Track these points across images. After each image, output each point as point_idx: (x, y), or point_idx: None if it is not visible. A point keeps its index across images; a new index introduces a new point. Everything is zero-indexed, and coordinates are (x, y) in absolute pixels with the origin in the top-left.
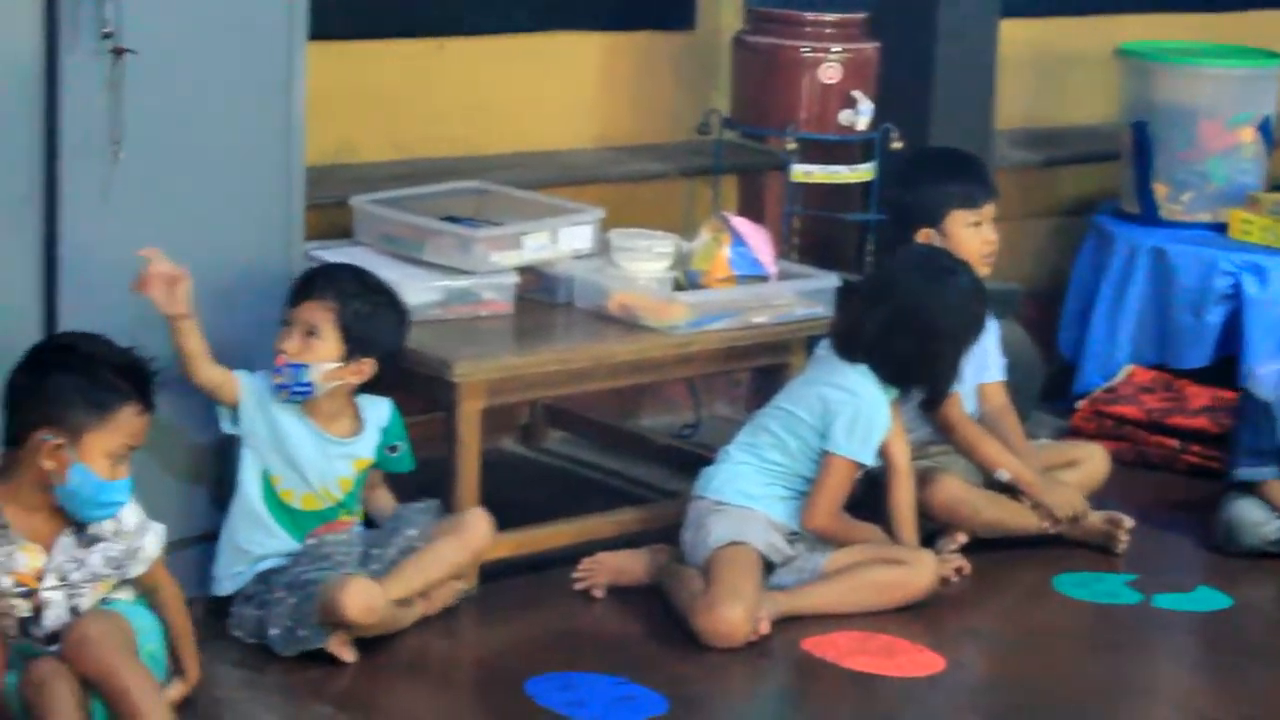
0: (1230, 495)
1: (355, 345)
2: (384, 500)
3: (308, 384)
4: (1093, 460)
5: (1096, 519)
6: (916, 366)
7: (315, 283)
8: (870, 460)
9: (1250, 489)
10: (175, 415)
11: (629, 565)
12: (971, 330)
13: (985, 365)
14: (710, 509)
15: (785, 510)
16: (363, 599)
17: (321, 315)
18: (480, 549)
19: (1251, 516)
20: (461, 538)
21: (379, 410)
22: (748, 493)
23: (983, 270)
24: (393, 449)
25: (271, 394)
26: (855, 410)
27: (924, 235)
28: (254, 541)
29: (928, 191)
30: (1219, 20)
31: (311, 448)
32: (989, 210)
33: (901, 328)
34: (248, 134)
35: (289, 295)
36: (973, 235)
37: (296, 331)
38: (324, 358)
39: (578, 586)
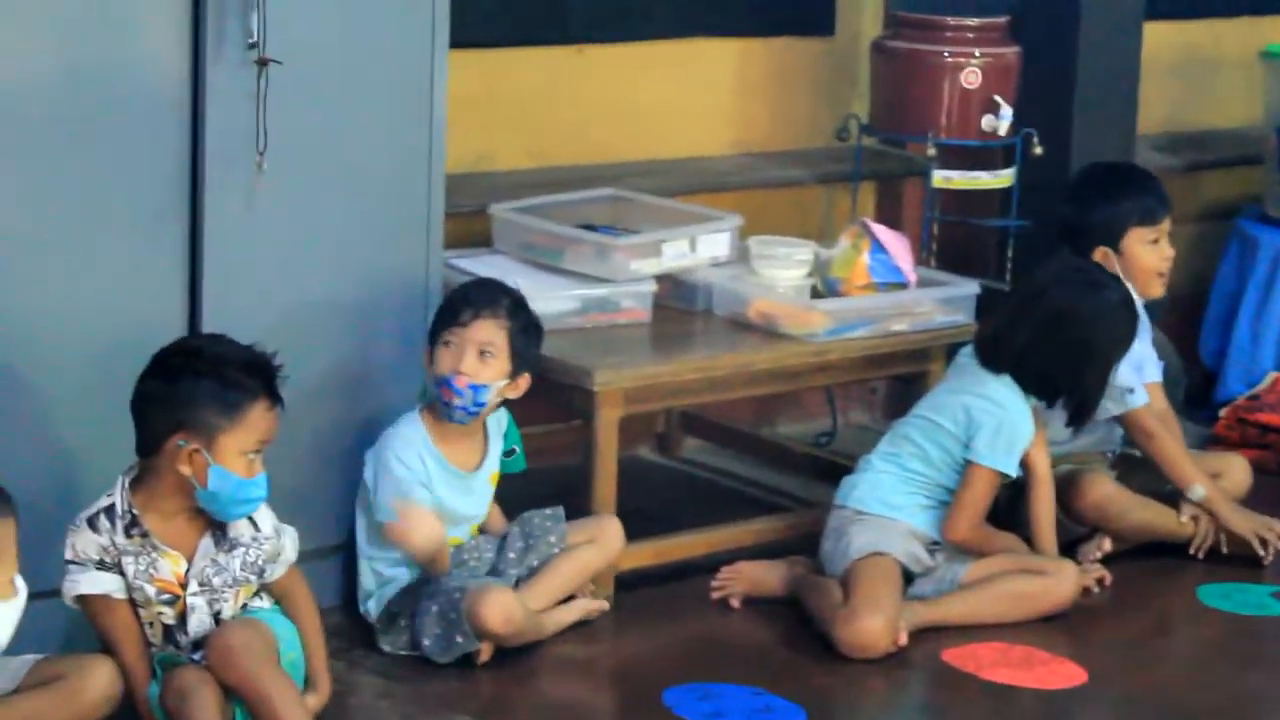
0: None
1: (519, 362)
2: (492, 511)
3: (484, 404)
4: (1234, 471)
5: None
6: (1062, 380)
7: (482, 300)
8: (1013, 471)
9: None
10: (313, 418)
11: (766, 576)
12: (1121, 346)
13: (1143, 366)
14: (852, 518)
15: (927, 520)
16: (502, 610)
17: (496, 333)
18: (615, 555)
19: None
20: (597, 544)
21: (498, 418)
22: (889, 502)
23: (1157, 288)
24: (509, 453)
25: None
26: (999, 421)
27: (1100, 254)
28: (392, 564)
29: (1105, 210)
30: None
31: (460, 499)
32: (1166, 225)
33: (1049, 340)
34: (389, 142)
35: (444, 313)
36: (1151, 252)
37: (470, 350)
38: (499, 376)
39: (715, 595)
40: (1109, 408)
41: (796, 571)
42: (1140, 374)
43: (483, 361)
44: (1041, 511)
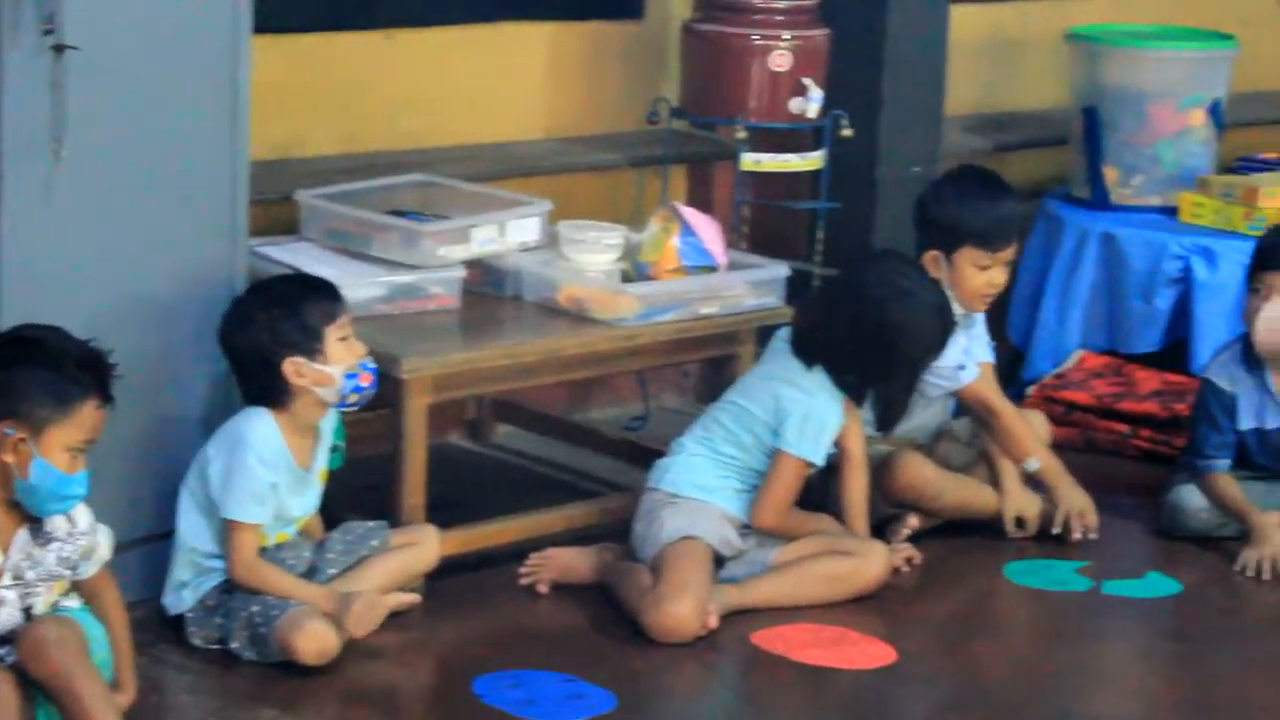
0: (1176, 480)
1: None
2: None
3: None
4: (1031, 425)
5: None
6: (870, 381)
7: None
8: (820, 460)
9: (1195, 476)
10: (119, 413)
11: (576, 563)
12: (933, 351)
13: (970, 349)
14: (664, 501)
15: (740, 503)
16: (316, 644)
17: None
18: (431, 563)
19: (1196, 502)
20: (417, 549)
21: (333, 414)
22: (702, 485)
23: (977, 306)
24: (334, 449)
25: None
26: (807, 409)
27: (930, 257)
28: (214, 556)
29: (951, 214)
30: (1170, 3)
31: (296, 498)
32: (1005, 255)
33: (859, 341)
34: (192, 130)
35: (325, 305)
36: (978, 275)
37: (352, 337)
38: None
39: (523, 581)
40: (941, 385)
41: (605, 558)
42: (969, 355)
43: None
44: (854, 492)
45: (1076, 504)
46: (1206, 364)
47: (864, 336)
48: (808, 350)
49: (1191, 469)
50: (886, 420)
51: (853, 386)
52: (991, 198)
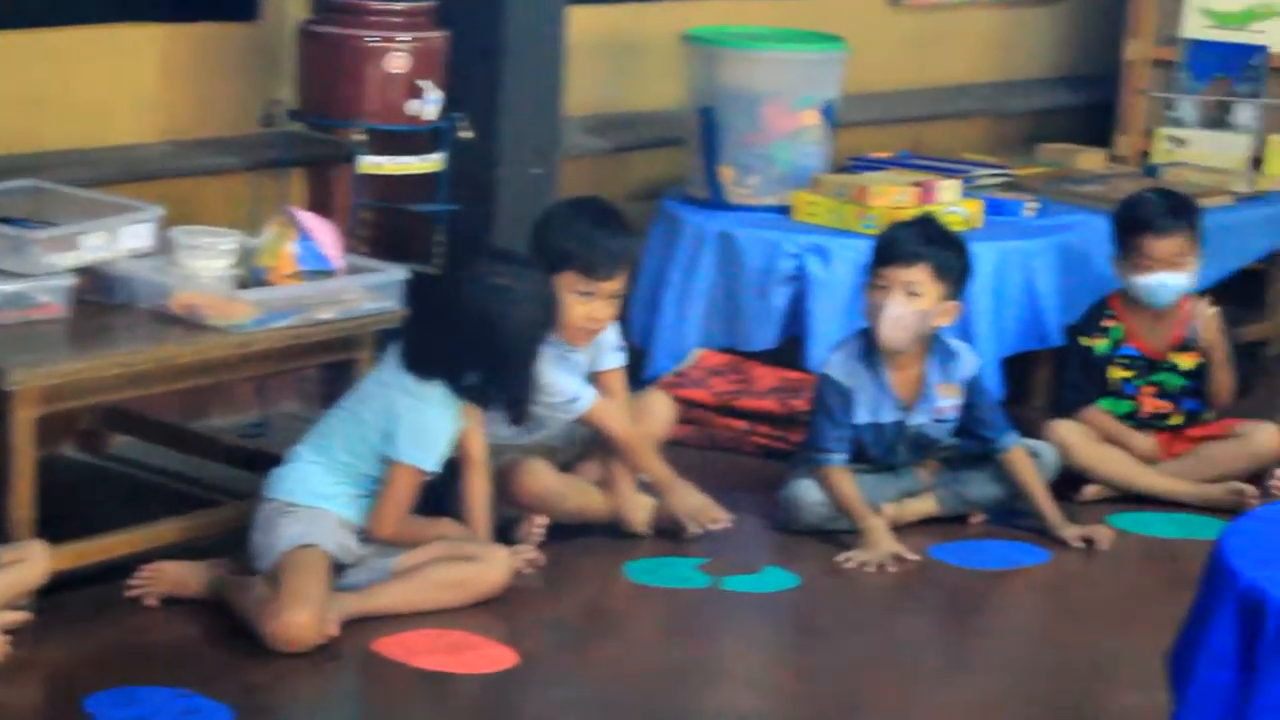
0: (794, 475)
1: None
2: None
3: None
4: (656, 408)
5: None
6: (490, 379)
7: None
8: (434, 468)
9: (812, 470)
10: None
11: (187, 578)
12: (539, 337)
13: (597, 360)
14: (281, 510)
15: (357, 509)
16: None
17: None
18: (40, 578)
19: (813, 495)
20: (23, 566)
21: None
22: (319, 492)
23: (576, 341)
24: None
25: None
26: (419, 418)
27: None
28: None
29: (555, 240)
30: (782, 6)
31: None
32: (607, 288)
33: (469, 342)
34: None
35: None
36: (577, 305)
37: None
38: None
39: (130, 594)
40: (560, 419)
41: (217, 573)
42: (583, 385)
43: None
44: (476, 495)
45: (691, 506)
46: (826, 359)
47: (469, 338)
48: (419, 364)
49: (809, 462)
50: (516, 416)
51: (472, 390)
52: (602, 226)
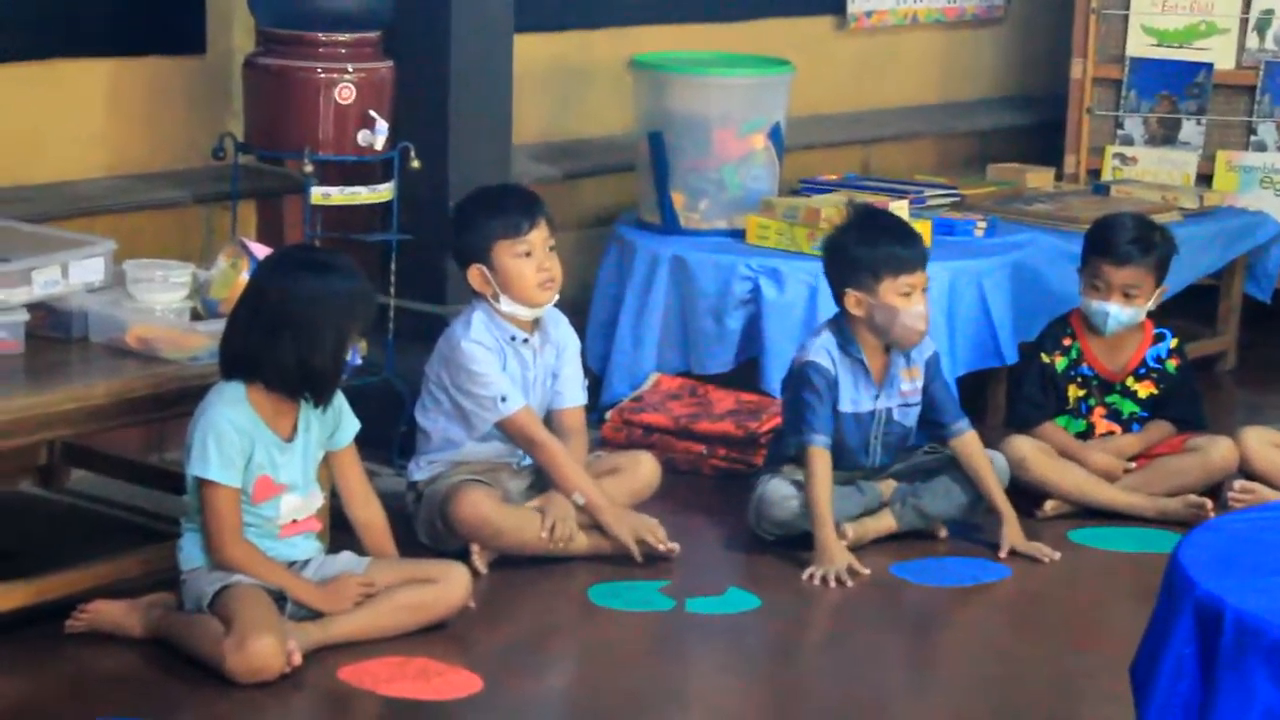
0: (763, 477)
1: None
2: None
3: None
4: (641, 468)
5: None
6: (291, 366)
7: None
8: (235, 482)
9: (780, 468)
10: None
11: (125, 620)
12: (324, 315)
13: (561, 388)
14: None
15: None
16: None
17: None
18: None
19: (781, 491)
20: None
21: None
22: (195, 557)
23: (545, 297)
24: None
25: None
26: (206, 430)
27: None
28: None
29: (473, 231)
30: (729, 30)
31: None
32: (536, 237)
33: (269, 332)
34: None
35: None
36: (523, 265)
37: None
38: None
39: (68, 630)
40: (484, 416)
41: (155, 613)
42: (517, 385)
43: None
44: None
45: (626, 530)
46: (802, 346)
47: (272, 326)
48: (231, 368)
49: (794, 446)
50: (319, 395)
51: (282, 384)
52: (492, 194)
